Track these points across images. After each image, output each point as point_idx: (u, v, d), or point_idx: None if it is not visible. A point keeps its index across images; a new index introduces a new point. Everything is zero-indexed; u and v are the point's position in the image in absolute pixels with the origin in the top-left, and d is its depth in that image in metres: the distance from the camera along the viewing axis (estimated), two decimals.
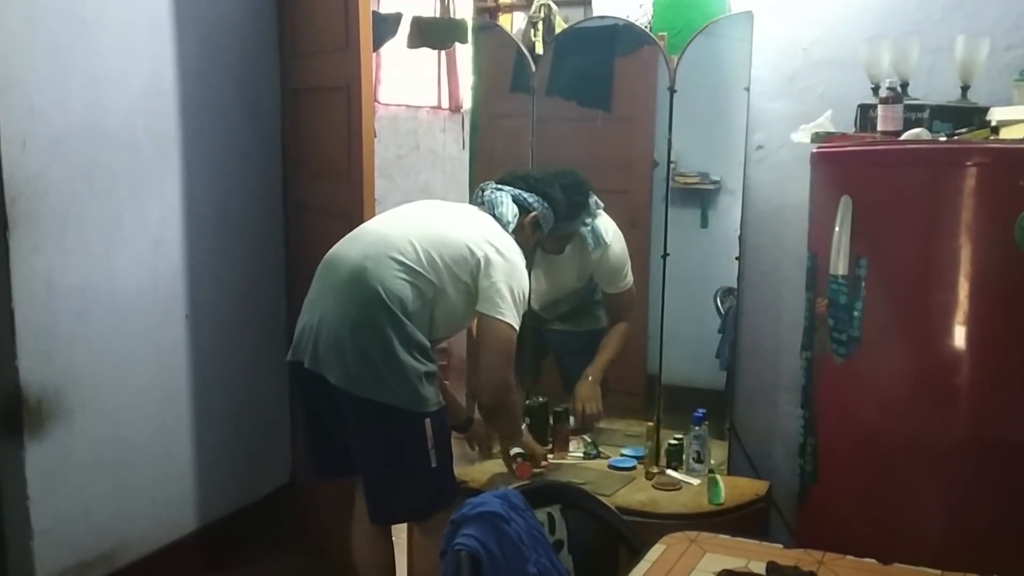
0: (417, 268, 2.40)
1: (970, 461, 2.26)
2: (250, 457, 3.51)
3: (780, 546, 1.81)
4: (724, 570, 1.63)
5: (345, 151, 3.08)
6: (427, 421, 2.40)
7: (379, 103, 5.41)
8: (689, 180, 3.14)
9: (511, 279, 2.47)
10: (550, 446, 3.03)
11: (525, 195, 2.69)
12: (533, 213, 2.69)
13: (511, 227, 2.61)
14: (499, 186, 2.71)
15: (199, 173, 3.18)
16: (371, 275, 2.37)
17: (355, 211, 3.03)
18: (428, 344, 2.43)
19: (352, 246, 2.51)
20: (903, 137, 2.37)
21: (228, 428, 3.39)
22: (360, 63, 2.97)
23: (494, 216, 2.63)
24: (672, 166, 3.08)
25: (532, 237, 2.72)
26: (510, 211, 2.64)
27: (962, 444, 2.27)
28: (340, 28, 3.05)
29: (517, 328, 2.47)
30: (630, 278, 3.06)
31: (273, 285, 3.54)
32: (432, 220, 2.58)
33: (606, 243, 2.96)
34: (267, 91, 3.46)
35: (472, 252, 2.46)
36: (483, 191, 2.72)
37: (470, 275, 2.45)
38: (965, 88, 2.53)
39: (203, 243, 3.22)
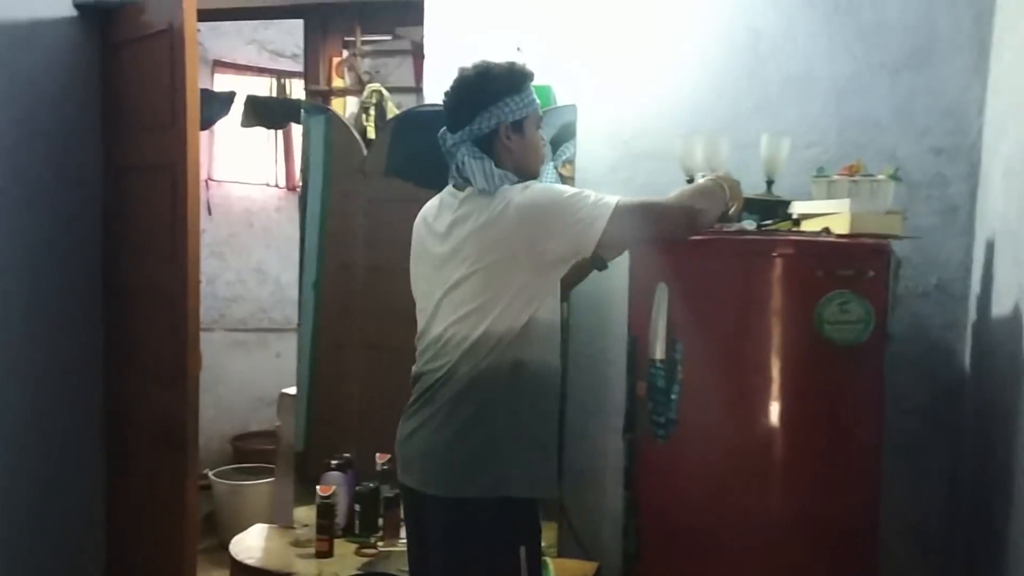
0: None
1: (785, 534, 2.36)
2: (58, 553, 3.28)
3: None
4: None
5: (169, 231, 3.00)
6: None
7: (212, 180, 5.31)
8: None
9: (556, 196, 2.03)
10: (380, 533, 2.98)
11: (469, 123, 2.11)
12: (498, 121, 2.09)
13: (496, 173, 2.06)
14: (450, 149, 2.16)
15: (7, 251, 3.02)
16: None
17: (178, 292, 2.94)
18: None
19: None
20: (730, 229, 2.50)
21: (34, 521, 3.16)
22: (186, 141, 2.92)
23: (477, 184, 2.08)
24: None
25: (532, 150, 2.16)
26: (476, 161, 2.08)
27: (777, 518, 2.36)
28: (166, 106, 3.00)
29: (620, 200, 2.00)
30: None
31: (88, 368, 3.37)
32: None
33: None
34: (89, 168, 3.34)
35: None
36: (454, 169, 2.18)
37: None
38: (770, 183, 2.71)
39: (12, 323, 3.04)
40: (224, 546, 3.03)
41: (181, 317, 2.96)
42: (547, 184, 2.18)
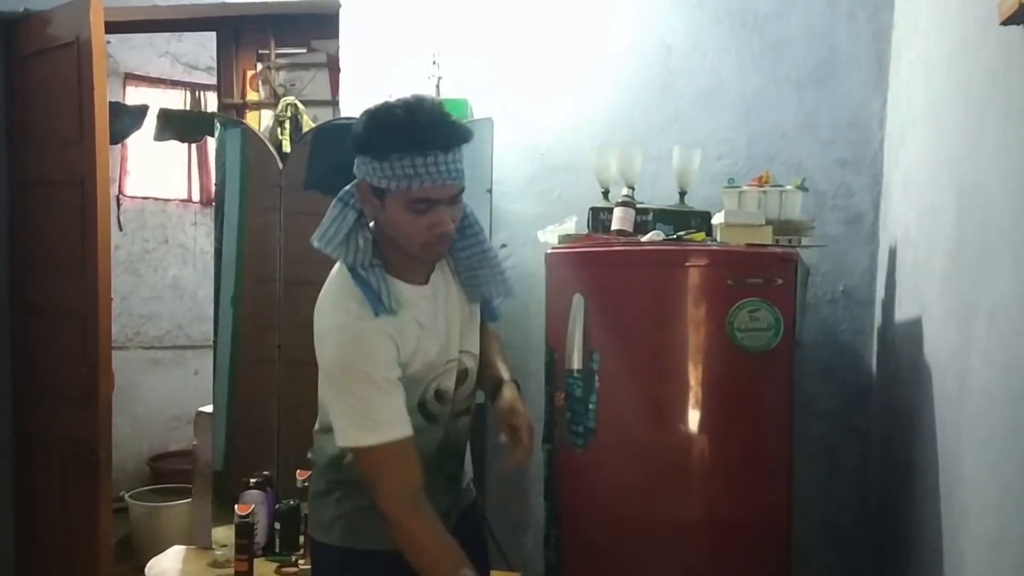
0: None
1: (702, 537, 2.41)
2: None
3: None
4: None
5: (79, 247, 2.94)
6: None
7: (125, 196, 5.19)
8: None
9: (333, 369, 1.70)
10: (301, 551, 2.94)
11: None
12: (360, 176, 1.68)
13: (342, 232, 1.71)
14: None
15: None
16: None
17: (90, 308, 2.88)
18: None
19: None
20: (644, 239, 2.54)
21: None
22: (95, 156, 2.86)
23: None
24: None
25: (389, 221, 1.69)
26: (333, 213, 1.74)
27: (693, 522, 2.41)
28: (74, 120, 2.94)
29: (370, 443, 1.67)
30: None
31: None
32: None
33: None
34: None
35: None
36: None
37: None
38: (683, 193, 2.77)
39: None
40: (141, 569, 2.95)
41: (92, 335, 2.89)
42: (328, 341, 1.71)
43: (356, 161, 1.68)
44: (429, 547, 1.69)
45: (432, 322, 1.79)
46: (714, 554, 2.42)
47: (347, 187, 1.74)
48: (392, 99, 1.66)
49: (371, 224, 1.74)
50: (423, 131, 1.60)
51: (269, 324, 3.27)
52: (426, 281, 1.80)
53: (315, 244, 1.74)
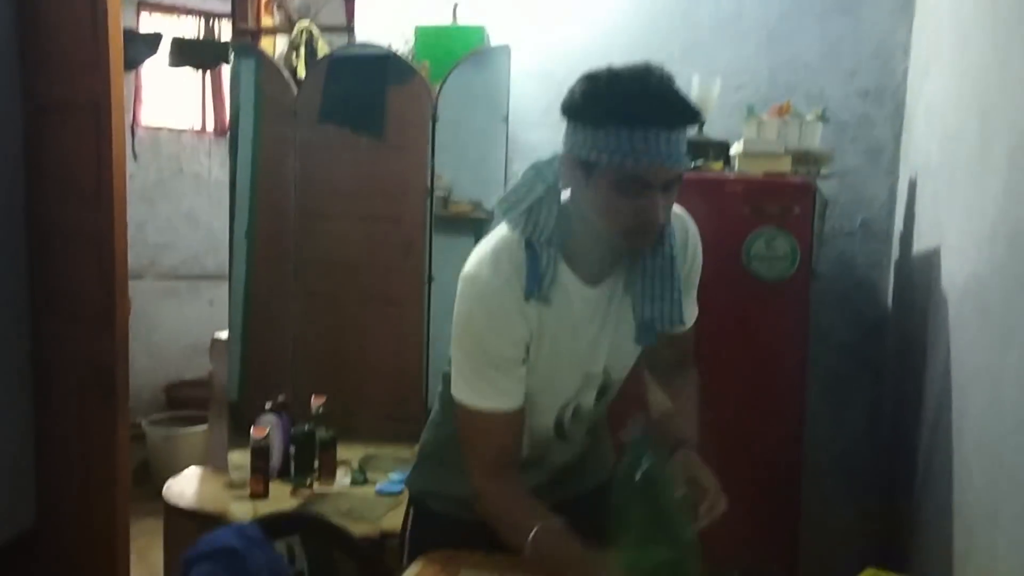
0: None
1: (716, 466, 2.41)
2: None
3: None
4: None
5: (95, 173, 2.93)
6: None
7: (139, 125, 5.17)
8: (461, 209, 3.17)
9: (458, 321, 1.57)
10: (316, 474, 2.99)
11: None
12: (566, 147, 1.48)
13: (526, 202, 1.52)
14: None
15: None
16: None
17: (106, 232, 2.89)
18: None
19: None
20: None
21: None
22: (111, 79, 2.84)
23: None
24: (445, 195, 3.13)
25: (593, 200, 1.47)
26: (522, 179, 1.56)
27: (708, 450, 2.40)
28: (89, 45, 2.91)
29: (480, 405, 1.56)
30: None
31: (12, 315, 3.29)
32: None
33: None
34: (6, 107, 3.23)
35: None
36: None
37: None
38: (701, 124, 2.73)
39: None
40: (158, 494, 3.01)
41: (108, 260, 2.90)
42: (466, 295, 1.55)
43: (567, 128, 1.48)
44: (510, 509, 1.58)
45: (583, 329, 1.59)
46: (726, 482, 2.42)
47: (547, 157, 1.55)
48: (617, 65, 1.45)
49: (563, 201, 1.54)
50: (649, 103, 1.39)
51: (284, 256, 3.28)
52: (598, 283, 1.58)
53: (495, 209, 1.60)
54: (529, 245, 1.51)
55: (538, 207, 1.51)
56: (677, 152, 1.41)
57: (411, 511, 1.85)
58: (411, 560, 1.73)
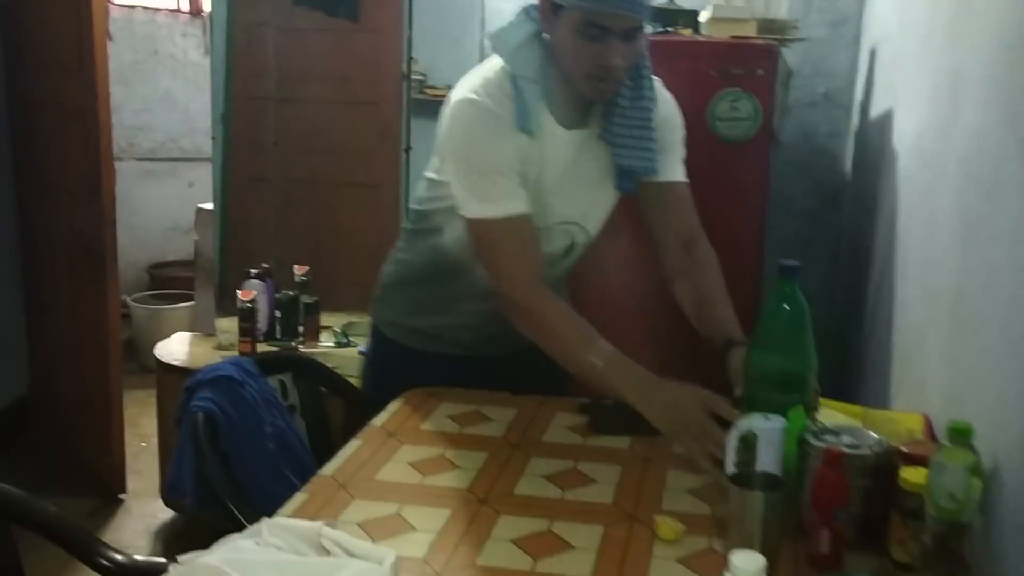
0: None
1: (675, 327, 2.54)
2: None
3: (507, 393, 1.79)
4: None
5: (76, 42, 2.96)
6: None
7: (112, 3, 5.12)
8: (438, 93, 3.18)
9: (456, 140, 1.63)
10: (301, 338, 3.12)
11: None
12: None
13: (515, 40, 1.62)
14: None
15: None
16: None
17: (89, 104, 2.93)
18: None
19: None
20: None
21: None
22: None
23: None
24: (421, 79, 3.16)
25: (559, 41, 1.58)
26: (514, 20, 1.66)
27: (671, 310, 2.54)
28: None
29: (497, 214, 1.59)
30: None
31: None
32: None
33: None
34: None
35: None
36: None
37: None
38: None
39: None
40: (145, 368, 3.09)
41: (93, 130, 2.95)
42: (463, 115, 1.61)
43: None
44: (557, 325, 1.61)
45: (559, 172, 1.66)
46: (688, 350, 2.55)
47: None
48: None
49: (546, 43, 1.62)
50: None
51: (261, 140, 3.32)
52: (571, 128, 1.66)
53: (488, 43, 1.71)
54: (515, 80, 1.59)
55: (525, 46, 1.60)
56: (637, 2, 1.50)
57: (373, 339, 1.97)
58: (372, 383, 1.93)
